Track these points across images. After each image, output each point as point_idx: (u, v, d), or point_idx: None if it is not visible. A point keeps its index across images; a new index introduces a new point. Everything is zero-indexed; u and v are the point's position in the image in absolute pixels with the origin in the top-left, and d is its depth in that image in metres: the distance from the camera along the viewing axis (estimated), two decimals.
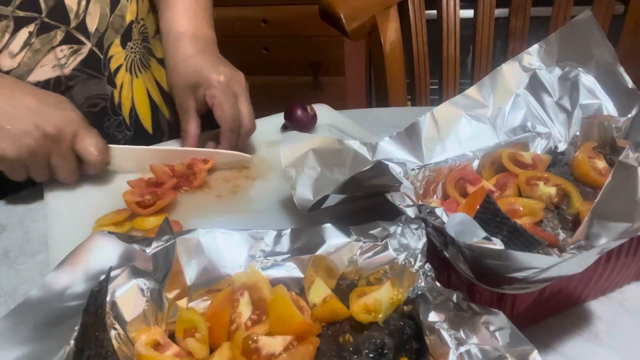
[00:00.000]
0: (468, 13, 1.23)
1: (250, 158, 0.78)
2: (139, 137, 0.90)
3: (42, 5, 0.73)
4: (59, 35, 0.76)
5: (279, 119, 0.87)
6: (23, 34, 0.73)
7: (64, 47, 0.77)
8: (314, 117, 0.85)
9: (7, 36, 0.72)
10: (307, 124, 0.85)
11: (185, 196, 0.71)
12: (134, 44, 0.87)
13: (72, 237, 0.56)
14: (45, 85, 0.76)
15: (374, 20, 1.10)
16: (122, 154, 0.75)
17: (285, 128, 0.86)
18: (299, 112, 0.84)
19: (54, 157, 0.68)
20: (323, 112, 0.89)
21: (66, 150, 0.68)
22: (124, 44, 0.85)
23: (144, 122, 0.90)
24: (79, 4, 0.76)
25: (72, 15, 0.76)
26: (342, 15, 1.06)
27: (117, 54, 0.84)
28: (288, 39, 1.97)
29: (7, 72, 0.74)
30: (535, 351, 0.36)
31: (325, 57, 1.97)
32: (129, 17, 0.84)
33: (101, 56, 0.82)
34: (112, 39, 0.82)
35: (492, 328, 0.38)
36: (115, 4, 0.81)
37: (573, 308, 0.52)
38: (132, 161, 0.75)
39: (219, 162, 0.77)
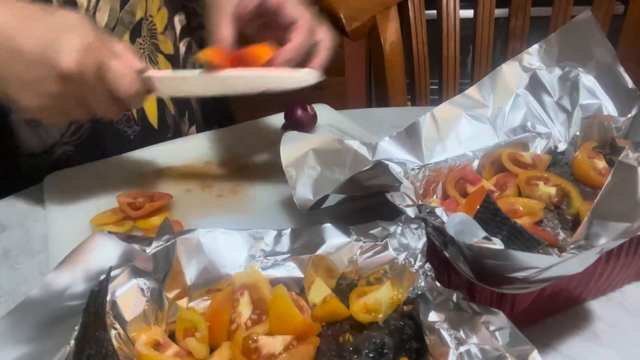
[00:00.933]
0: (468, 13, 1.22)
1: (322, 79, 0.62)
2: (145, 132, 0.90)
3: (54, 0, 0.73)
4: None
5: (279, 119, 0.87)
6: None
7: None
8: (314, 117, 0.85)
9: None
10: (307, 124, 0.85)
11: (185, 196, 0.71)
12: (143, 41, 0.87)
13: (72, 237, 0.56)
14: None
15: (374, 20, 1.10)
16: (163, 81, 0.63)
17: (285, 128, 0.86)
18: (299, 112, 0.84)
19: (86, 96, 0.59)
20: (323, 112, 0.89)
21: (95, 87, 0.58)
22: (133, 40, 0.85)
23: (150, 117, 0.90)
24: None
25: (82, 11, 0.76)
26: (342, 15, 1.06)
27: None
28: None
29: None
30: (535, 351, 0.36)
31: None
32: (139, 14, 0.85)
33: None
34: (122, 35, 0.83)
35: (492, 328, 0.38)
36: (125, 0, 0.82)
37: (573, 308, 0.52)
38: (173, 89, 0.65)
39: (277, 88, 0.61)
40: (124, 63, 0.59)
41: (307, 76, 0.58)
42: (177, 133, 0.93)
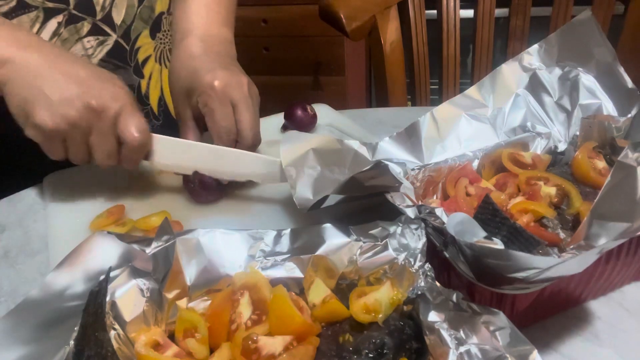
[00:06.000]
0: (468, 13, 1.23)
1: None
2: (168, 126, 0.90)
3: None
4: (86, 26, 0.77)
5: (279, 119, 0.87)
6: (52, 24, 0.74)
7: (90, 38, 0.78)
8: (314, 117, 0.85)
9: (37, 25, 0.73)
10: (307, 124, 0.84)
11: (185, 196, 0.71)
12: (163, 35, 0.87)
13: (72, 237, 0.56)
14: None
15: (374, 20, 1.10)
16: (164, 145, 0.67)
17: (285, 128, 0.86)
18: (299, 112, 0.84)
19: (94, 135, 0.62)
20: (323, 112, 0.89)
21: (107, 127, 0.62)
22: (153, 35, 0.85)
23: (172, 111, 0.90)
24: None
25: (98, 8, 0.77)
26: (342, 15, 1.06)
27: (146, 45, 0.85)
28: (288, 39, 1.97)
29: None
30: (535, 351, 0.36)
31: (325, 57, 1.97)
32: (158, 9, 0.85)
33: (127, 47, 0.82)
34: (140, 30, 0.83)
35: (492, 328, 0.38)
36: None
37: (573, 308, 0.52)
38: (171, 156, 0.68)
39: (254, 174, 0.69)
40: (139, 118, 0.64)
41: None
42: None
